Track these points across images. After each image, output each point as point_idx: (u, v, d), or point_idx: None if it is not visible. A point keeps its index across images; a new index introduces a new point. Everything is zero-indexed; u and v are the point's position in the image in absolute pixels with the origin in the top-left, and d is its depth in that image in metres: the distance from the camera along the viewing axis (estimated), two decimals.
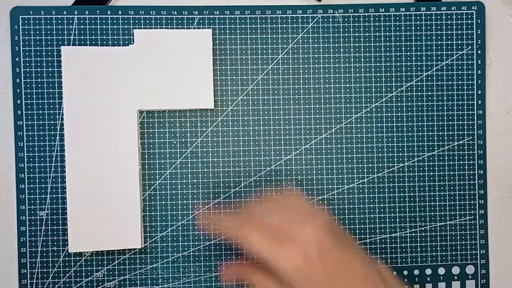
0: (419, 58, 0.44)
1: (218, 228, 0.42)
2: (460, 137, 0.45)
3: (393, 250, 0.44)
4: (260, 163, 0.44)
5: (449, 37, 0.44)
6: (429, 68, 0.44)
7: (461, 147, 0.45)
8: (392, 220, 0.44)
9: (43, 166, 0.42)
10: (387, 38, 0.44)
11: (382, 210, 0.44)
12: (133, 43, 0.42)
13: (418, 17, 0.44)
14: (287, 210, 0.36)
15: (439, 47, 0.44)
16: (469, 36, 0.44)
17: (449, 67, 0.44)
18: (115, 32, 0.43)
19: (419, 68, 0.44)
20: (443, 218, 0.45)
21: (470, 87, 0.45)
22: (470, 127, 0.45)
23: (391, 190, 0.44)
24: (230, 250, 0.43)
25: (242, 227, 0.35)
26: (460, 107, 0.45)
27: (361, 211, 0.44)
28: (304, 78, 0.44)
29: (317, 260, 0.32)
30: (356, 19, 0.44)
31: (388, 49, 0.44)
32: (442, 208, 0.45)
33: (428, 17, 0.44)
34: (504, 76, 0.45)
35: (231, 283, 0.43)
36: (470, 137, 0.45)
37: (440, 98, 0.44)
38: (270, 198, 0.40)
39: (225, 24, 0.43)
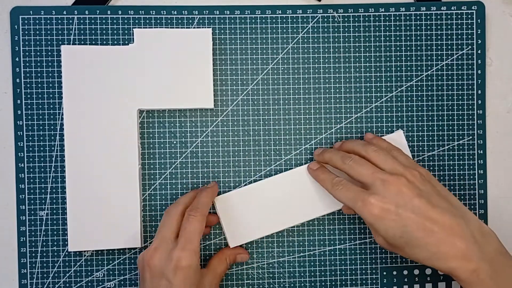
0: (419, 58, 0.44)
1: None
2: (460, 137, 0.45)
3: None
4: (260, 163, 0.44)
5: (449, 37, 0.44)
6: (429, 68, 0.44)
7: (461, 147, 0.45)
8: None
9: (43, 166, 0.42)
10: (387, 38, 0.44)
11: None
12: (133, 43, 0.42)
13: (418, 17, 0.44)
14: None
15: (439, 47, 0.44)
16: (469, 36, 0.44)
17: (449, 67, 0.44)
18: (115, 31, 0.43)
19: (419, 68, 0.44)
20: None
21: (470, 87, 0.44)
22: (470, 127, 0.45)
23: None
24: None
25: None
26: (460, 107, 0.45)
27: None
28: (304, 78, 0.44)
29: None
30: (356, 19, 0.44)
31: (388, 49, 0.44)
32: None
33: (428, 17, 0.44)
34: (504, 76, 0.45)
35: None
36: (470, 137, 0.45)
37: (440, 98, 0.44)
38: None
39: (225, 24, 0.43)
